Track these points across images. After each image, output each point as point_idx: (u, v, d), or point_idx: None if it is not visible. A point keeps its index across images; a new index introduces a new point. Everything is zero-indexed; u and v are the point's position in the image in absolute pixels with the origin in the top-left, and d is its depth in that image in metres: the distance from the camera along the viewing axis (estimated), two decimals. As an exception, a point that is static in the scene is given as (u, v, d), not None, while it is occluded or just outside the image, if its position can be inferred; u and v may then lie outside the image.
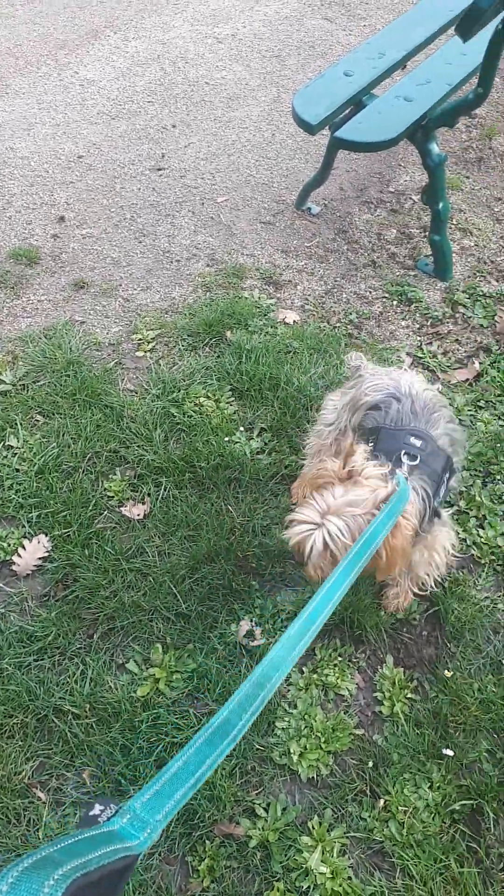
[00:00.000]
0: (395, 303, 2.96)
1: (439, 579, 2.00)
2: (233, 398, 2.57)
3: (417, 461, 1.63)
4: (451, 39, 3.01)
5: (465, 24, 2.32)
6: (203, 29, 4.51)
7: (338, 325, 2.86)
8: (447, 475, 1.73)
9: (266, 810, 1.72)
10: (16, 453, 2.42)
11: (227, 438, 2.43)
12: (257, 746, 1.81)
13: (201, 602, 2.04)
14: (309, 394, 2.54)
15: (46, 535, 2.22)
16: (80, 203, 3.38)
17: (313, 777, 1.77)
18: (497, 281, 3.05)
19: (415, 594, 2.01)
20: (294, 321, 2.87)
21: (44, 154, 3.64)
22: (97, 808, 0.79)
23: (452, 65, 2.95)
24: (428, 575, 1.88)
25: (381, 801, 1.72)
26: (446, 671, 1.92)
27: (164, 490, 2.30)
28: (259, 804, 1.73)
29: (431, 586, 1.96)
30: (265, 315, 2.87)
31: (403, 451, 1.64)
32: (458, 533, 2.10)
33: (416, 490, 1.59)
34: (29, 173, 3.53)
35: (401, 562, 1.52)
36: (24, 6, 4.73)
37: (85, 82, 4.12)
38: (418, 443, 1.68)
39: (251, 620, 2.02)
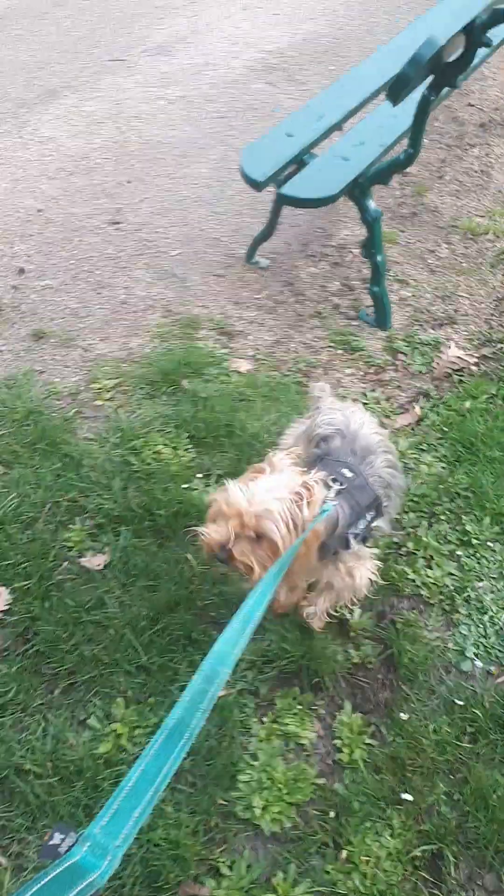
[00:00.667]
0: (339, 351, 2.90)
1: (355, 604, 1.95)
2: (190, 445, 2.46)
3: (344, 487, 1.65)
4: (383, 103, 3.00)
5: (395, 90, 2.30)
6: (155, 91, 4.45)
7: (288, 373, 2.79)
8: (371, 513, 1.72)
9: (231, 868, 1.59)
10: (-26, 506, 2.24)
11: (184, 486, 2.31)
12: (220, 801, 1.68)
13: (162, 654, 1.90)
14: (262, 440, 2.44)
15: (6, 588, 2.06)
16: (40, 255, 3.24)
17: (277, 831, 1.65)
18: (433, 329, 3.03)
19: (331, 617, 1.95)
20: (247, 370, 2.79)
21: (4, 207, 3.49)
22: (57, 837, 0.74)
23: (384, 127, 2.95)
24: (347, 599, 1.86)
25: (344, 853, 1.61)
26: (402, 714, 1.83)
27: (124, 539, 2.16)
28: (223, 862, 1.59)
29: (346, 610, 1.93)
30: (219, 364, 2.77)
31: (333, 477, 1.65)
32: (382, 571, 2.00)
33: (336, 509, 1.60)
34: (-12, 226, 3.38)
35: (300, 569, 1.58)
36: (-15, 66, 4.59)
37: (44, 139, 3.99)
38: (349, 474, 1.69)
39: (212, 671, 1.89)
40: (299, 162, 2.84)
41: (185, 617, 1.97)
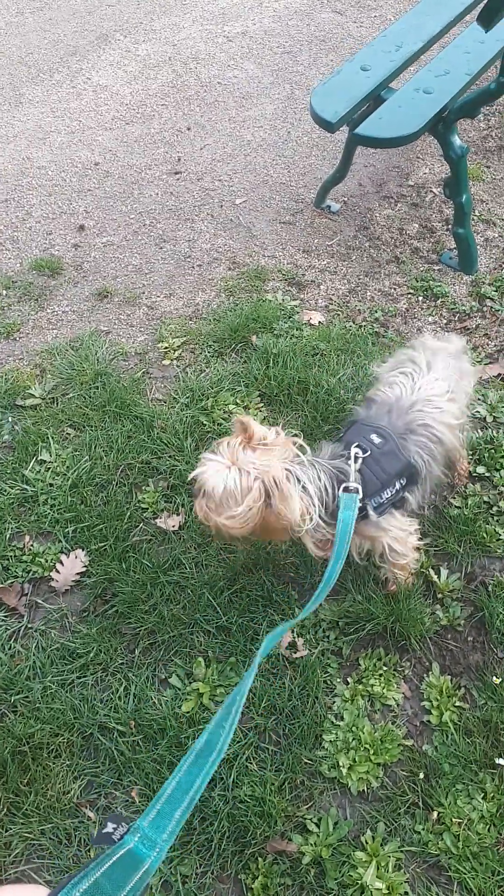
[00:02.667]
0: (420, 299, 2.89)
1: (411, 569, 1.97)
2: (262, 404, 2.52)
3: (367, 454, 1.70)
4: (468, 29, 2.92)
5: (487, 14, 2.24)
6: (213, 28, 4.44)
7: (363, 323, 2.80)
8: (402, 481, 1.74)
9: (318, 825, 1.68)
10: (49, 468, 2.39)
11: (258, 445, 2.38)
12: (305, 760, 1.77)
13: (241, 614, 2.00)
14: (339, 396, 2.48)
15: (83, 550, 2.19)
16: (99, 211, 3.34)
17: (364, 790, 1.73)
18: (524, 272, 2.97)
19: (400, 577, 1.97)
20: (319, 322, 2.81)
21: (60, 163, 3.60)
22: (110, 826, 0.85)
23: (471, 54, 2.86)
24: (395, 564, 1.89)
25: (435, 814, 1.68)
26: (494, 678, 1.86)
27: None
28: (310, 819, 1.69)
29: (405, 574, 1.96)
30: (290, 317, 2.81)
31: (357, 444, 1.70)
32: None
33: (308, 482, 1.66)
34: (46, 183, 3.50)
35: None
36: (34, 14, 4.69)
37: (98, 88, 4.07)
38: (377, 440, 1.72)
39: (293, 631, 1.98)
40: (376, 98, 2.80)
41: (264, 578, 2.06)
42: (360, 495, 1.67)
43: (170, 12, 4.61)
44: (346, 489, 1.66)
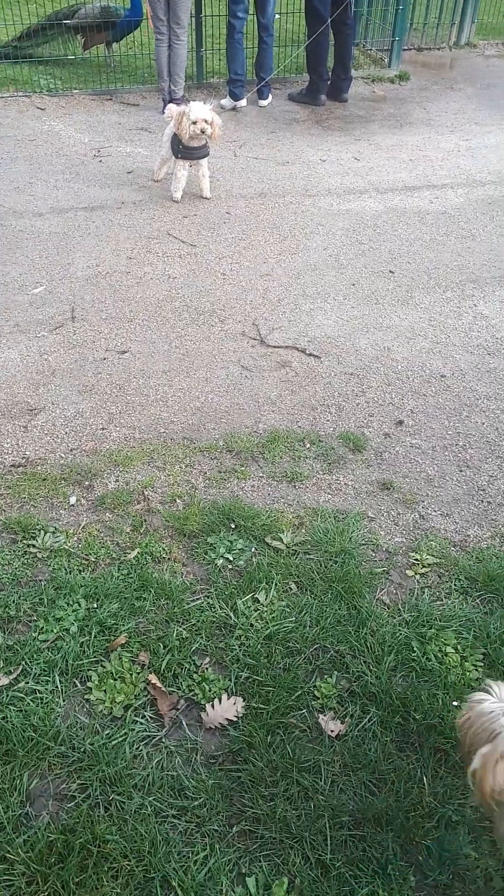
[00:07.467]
0: None
1: None
2: (482, 663, 2.34)
3: None
4: None
5: None
6: None
7: None
8: None
9: None
10: (258, 609, 2.48)
11: (455, 702, 2.20)
12: None
13: (347, 863, 1.81)
14: None
15: (244, 701, 2.20)
16: (424, 415, 3.51)
17: None
18: None
19: None
20: None
21: (412, 363, 3.90)
22: None
23: None
24: None
25: None
26: None
27: (369, 721, 2.14)
28: None
29: None
30: None
31: None
32: None
33: None
34: (392, 374, 3.80)
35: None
36: (458, 240, 5.24)
37: (479, 316, 4.36)
38: None
39: (389, 920, 1.73)
40: None
41: (390, 842, 1.85)
42: None
43: None
44: None
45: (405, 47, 8.94)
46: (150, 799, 1.95)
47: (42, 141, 6.55)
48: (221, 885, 1.78)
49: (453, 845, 1.87)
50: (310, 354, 3.93)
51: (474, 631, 2.42)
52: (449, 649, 2.36)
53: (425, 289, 4.61)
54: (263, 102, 7.46)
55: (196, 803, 1.94)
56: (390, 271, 4.79)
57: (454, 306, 4.45)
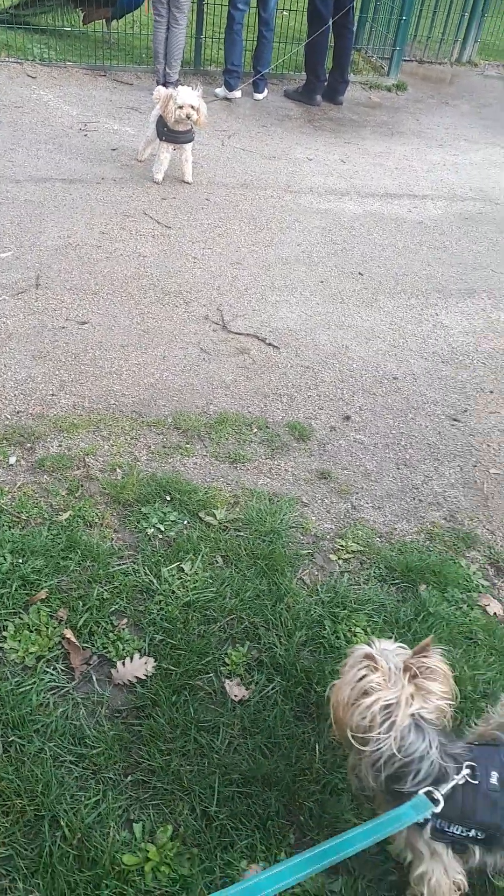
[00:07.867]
0: None
1: None
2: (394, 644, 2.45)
3: (476, 782, 1.60)
4: None
5: None
6: None
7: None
8: (479, 833, 1.61)
9: None
10: (181, 578, 2.56)
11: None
12: None
13: (230, 817, 1.90)
14: (468, 695, 2.30)
15: (156, 662, 2.28)
16: (370, 414, 3.62)
17: None
18: None
19: None
20: (495, 613, 2.68)
21: (367, 362, 4.01)
22: None
23: None
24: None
25: None
26: None
27: (272, 690, 2.24)
28: None
29: None
30: (468, 591, 2.73)
31: (476, 766, 1.61)
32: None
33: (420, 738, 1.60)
34: (346, 371, 3.90)
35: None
36: (431, 250, 5.37)
37: (438, 325, 4.49)
38: (496, 779, 1.62)
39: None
40: None
41: (274, 802, 1.95)
42: (437, 810, 1.56)
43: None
44: (430, 794, 1.56)
45: (407, 58, 9.09)
46: (51, 745, 2.03)
47: (28, 109, 6.56)
48: (109, 829, 1.86)
49: (335, 809, 1.97)
50: (269, 344, 4.03)
51: (385, 615, 2.53)
52: (358, 630, 2.47)
53: (391, 293, 4.73)
54: (258, 96, 7.53)
55: (95, 752, 2.02)
56: (359, 273, 4.91)
57: (416, 313, 4.57)
